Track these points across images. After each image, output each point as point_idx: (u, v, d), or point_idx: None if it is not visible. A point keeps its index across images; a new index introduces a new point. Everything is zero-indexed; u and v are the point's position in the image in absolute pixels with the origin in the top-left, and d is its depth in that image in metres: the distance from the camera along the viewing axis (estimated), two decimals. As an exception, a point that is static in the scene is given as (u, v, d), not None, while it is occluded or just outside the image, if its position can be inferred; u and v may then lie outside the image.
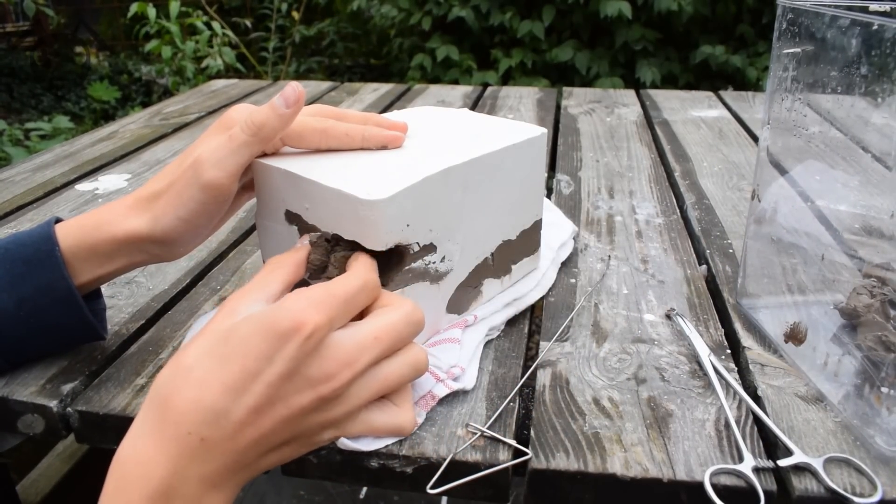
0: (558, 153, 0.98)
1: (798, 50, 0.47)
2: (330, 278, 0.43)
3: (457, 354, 0.46)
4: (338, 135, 0.48)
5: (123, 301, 0.58)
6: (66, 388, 0.46)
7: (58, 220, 0.46)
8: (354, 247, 0.44)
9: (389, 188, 0.42)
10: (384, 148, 0.49)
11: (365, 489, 1.29)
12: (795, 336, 0.49)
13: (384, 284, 0.44)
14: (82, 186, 0.85)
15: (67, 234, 0.44)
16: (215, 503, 0.35)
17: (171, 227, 0.44)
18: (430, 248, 0.46)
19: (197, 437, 0.33)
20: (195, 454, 0.34)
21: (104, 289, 0.59)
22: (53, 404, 0.45)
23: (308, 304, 0.36)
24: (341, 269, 0.44)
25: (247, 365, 0.34)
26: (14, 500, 0.66)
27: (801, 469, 0.39)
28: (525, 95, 1.33)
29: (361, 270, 0.40)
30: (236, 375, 0.34)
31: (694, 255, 0.66)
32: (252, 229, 0.73)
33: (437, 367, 0.45)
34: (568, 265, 0.64)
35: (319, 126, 0.47)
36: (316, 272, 0.45)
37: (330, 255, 0.45)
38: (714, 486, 0.38)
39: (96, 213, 0.45)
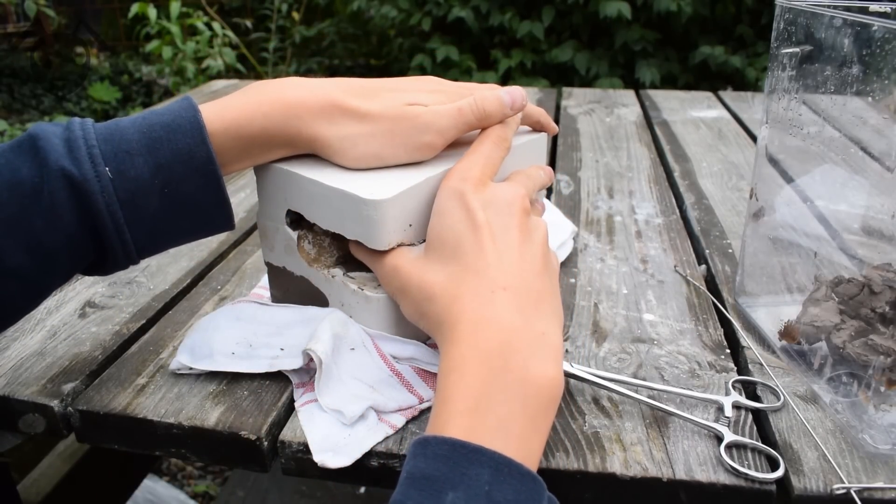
0: (558, 153, 0.98)
1: (796, 50, 0.47)
2: (327, 267, 0.48)
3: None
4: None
5: (124, 301, 0.58)
6: (67, 387, 0.46)
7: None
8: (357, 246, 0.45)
9: (392, 188, 0.42)
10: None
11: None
12: (789, 334, 0.49)
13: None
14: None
15: (251, 120, 0.43)
16: (546, 356, 0.37)
17: (363, 158, 0.45)
18: None
19: (500, 290, 0.39)
20: (509, 304, 0.38)
21: (105, 286, 0.60)
22: (54, 404, 0.45)
23: (456, 176, 0.43)
24: (330, 254, 0.48)
25: (465, 222, 0.41)
26: (15, 499, 0.66)
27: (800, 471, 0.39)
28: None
29: (495, 130, 0.47)
30: (471, 230, 0.41)
31: (693, 255, 0.66)
32: (252, 229, 0.73)
33: (434, 364, 0.45)
34: (568, 265, 0.64)
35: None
36: (312, 262, 0.48)
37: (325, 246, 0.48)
38: (713, 485, 0.39)
39: (281, 98, 0.44)
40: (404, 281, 0.42)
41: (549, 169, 0.52)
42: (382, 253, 0.44)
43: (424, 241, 0.46)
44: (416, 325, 0.43)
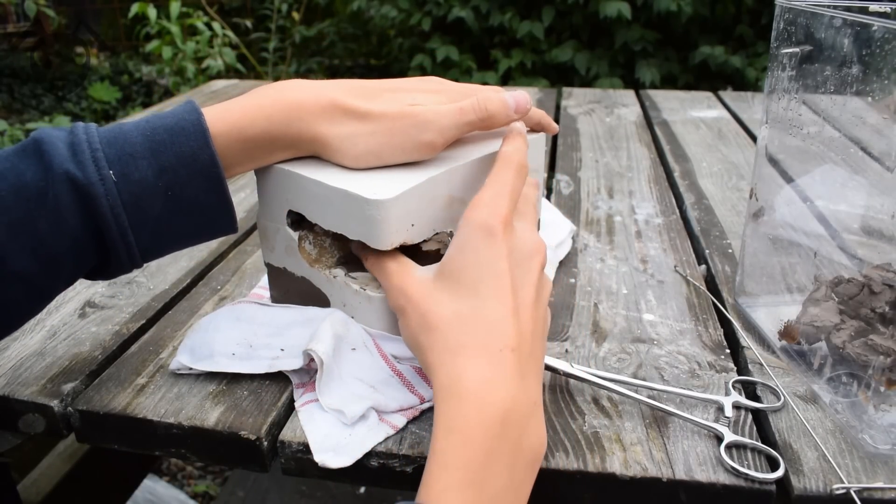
0: (558, 153, 0.98)
1: (796, 50, 0.47)
2: (329, 267, 0.48)
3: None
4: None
5: (124, 301, 0.58)
6: (67, 387, 0.46)
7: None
8: (360, 246, 0.45)
9: (395, 188, 0.43)
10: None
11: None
12: (789, 334, 0.49)
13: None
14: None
15: (254, 122, 0.43)
16: (537, 426, 0.37)
17: (363, 157, 0.45)
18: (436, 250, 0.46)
19: (508, 350, 0.37)
20: (514, 369, 0.36)
21: (105, 286, 0.60)
22: (54, 404, 0.45)
23: (485, 210, 0.40)
24: (331, 255, 0.48)
25: (489, 266, 0.39)
26: (15, 499, 0.66)
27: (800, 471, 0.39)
28: (525, 96, 1.33)
29: (517, 157, 0.44)
30: (494, 276, 0.39)
31: (693, 255, 0.66)
32: (252, 229, 0.73)
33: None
34: (567, 265, 0.64)
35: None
36: (313, 262, 0.48)
37: (326, 246, 0.48)
38: (713, 485, 0.39)
39: (283, 100, 0.44)
40: (406, 302, 0.41)
41: (535, 181, 0.49)
42: (390, 267, 0.43)
43: (428, 241, 0.46)
44: (409, 349, 0.42)
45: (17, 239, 0.39)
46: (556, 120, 1.17)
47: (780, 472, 0.39)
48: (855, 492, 0.38)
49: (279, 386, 0.46)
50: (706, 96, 1.32)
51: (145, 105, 3.78)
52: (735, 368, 0.49)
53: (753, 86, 2.44)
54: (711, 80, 2.56)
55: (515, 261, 0.40)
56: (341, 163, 0.46)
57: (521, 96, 0.47)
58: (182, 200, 0.42)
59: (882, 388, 0.42)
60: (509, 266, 0.39)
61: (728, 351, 0.51)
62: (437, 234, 0.46)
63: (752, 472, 0.39)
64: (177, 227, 0.43)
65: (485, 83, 2.50)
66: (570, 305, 0.57)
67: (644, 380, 0.47)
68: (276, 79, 3.22)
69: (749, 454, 0.41)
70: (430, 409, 0.44)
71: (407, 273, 0.42)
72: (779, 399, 0.45)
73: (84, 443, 0.47)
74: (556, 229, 0.66)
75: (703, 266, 0.64)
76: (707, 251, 0.67)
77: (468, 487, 0.33)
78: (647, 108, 1.23)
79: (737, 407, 0.44)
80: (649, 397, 0.45)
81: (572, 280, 0.61)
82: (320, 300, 0.49)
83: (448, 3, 2.70)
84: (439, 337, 0.38)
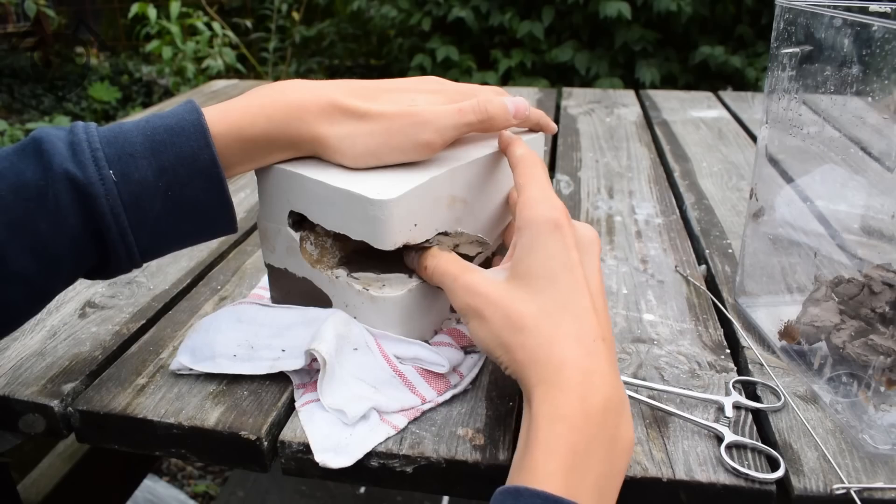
0: (558, 153, 0.98)
1: (796, 50, 0.47)
2: (331, 268, 0.48)
3: (458, 358, 0.47)
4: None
5: (124, 301, 0.58)
6: (67, 387, 0.46)
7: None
8: (359, 246, 0.45)
9: (398, 188, 0.43)
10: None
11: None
12: (789, 334, 0.49)
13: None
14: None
15: (254, 122, 0.43)
16: (628, 415, 0.37)
17: (362, 157, 0.45)
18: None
19: (600, 340, 0.37)
20: (608, 358, 0.37)
21: (105, 286, 0.60)
22: (54, 404, 0.45)
23: (544, 206, 0.41)
24: (333, 255, 0.48)
25: (562, 258, 0.39)
26: (15, 499, 0.66)
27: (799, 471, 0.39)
28: (525, 96, 1.33)
29: (527, 153, 0.45)
30: (568, 269, 0.39)
31: (693, 255, 0.66)
32: (253, 229, 0.73)
33: (437, 364, 0.45)
34: (568, 265, 0.64)
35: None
36: (314, 263, 0.48)
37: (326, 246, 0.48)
38: (713, 486, 0.39)
39: (283, 100, 0.44)
40: (483, 303, 0.40)
41: None
42: (453, 268, 0.43)
43: (429, 241, 0.46)
44: (486, 350, 0.41)
45: (16, 238, 0.39)
46: (556, 120, 1.17)
47: (780, 472, 0.39)
48: (855, 492, 0.38)
49: (279, 386, 0.46)
50: (706, 96, 1.32)
51: (145, 105, 3.78)
52: (735, 368, 0.49)
53: (753, 86, 2.44)
54: (711, 80, 2.56)
55: (583, 251, 0.41)
56: (341, 163, 0.46)
57: (520, 102, 0.47)
58: (182, 200, 0.42)
59: (882, 388, 0.42)
60: (580, 258, 0.40)
61: (728, 351, 0.51)
62: (439, 234, 0.46)
63: (752, 472, 0.39)
64: (177, 227, 0.43)
65: (485, 83, 2.50)
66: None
67: (644, 380, 0.47)
68: (276, 79, 3.22)
69: (749, 454, 0.41)
70: (431, 409, 0.44)
71: (476, 273, 0.42)
72: (779, 399, 0.45)
73: (84, 443, 0.47)
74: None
75: (703, 266, 0.64)
76: (707, 251, 0.67)
77: (573, 472, 0.33)
78: (647, 108, 1.23)
79: (737, 407, 0.44)
80: (649, 397, 0.45)
81: (572, 280, 0.61)
82: (322, 301, 0.49)
83: (448, 3, 2.70)
84: (531, 334, 0.38)
